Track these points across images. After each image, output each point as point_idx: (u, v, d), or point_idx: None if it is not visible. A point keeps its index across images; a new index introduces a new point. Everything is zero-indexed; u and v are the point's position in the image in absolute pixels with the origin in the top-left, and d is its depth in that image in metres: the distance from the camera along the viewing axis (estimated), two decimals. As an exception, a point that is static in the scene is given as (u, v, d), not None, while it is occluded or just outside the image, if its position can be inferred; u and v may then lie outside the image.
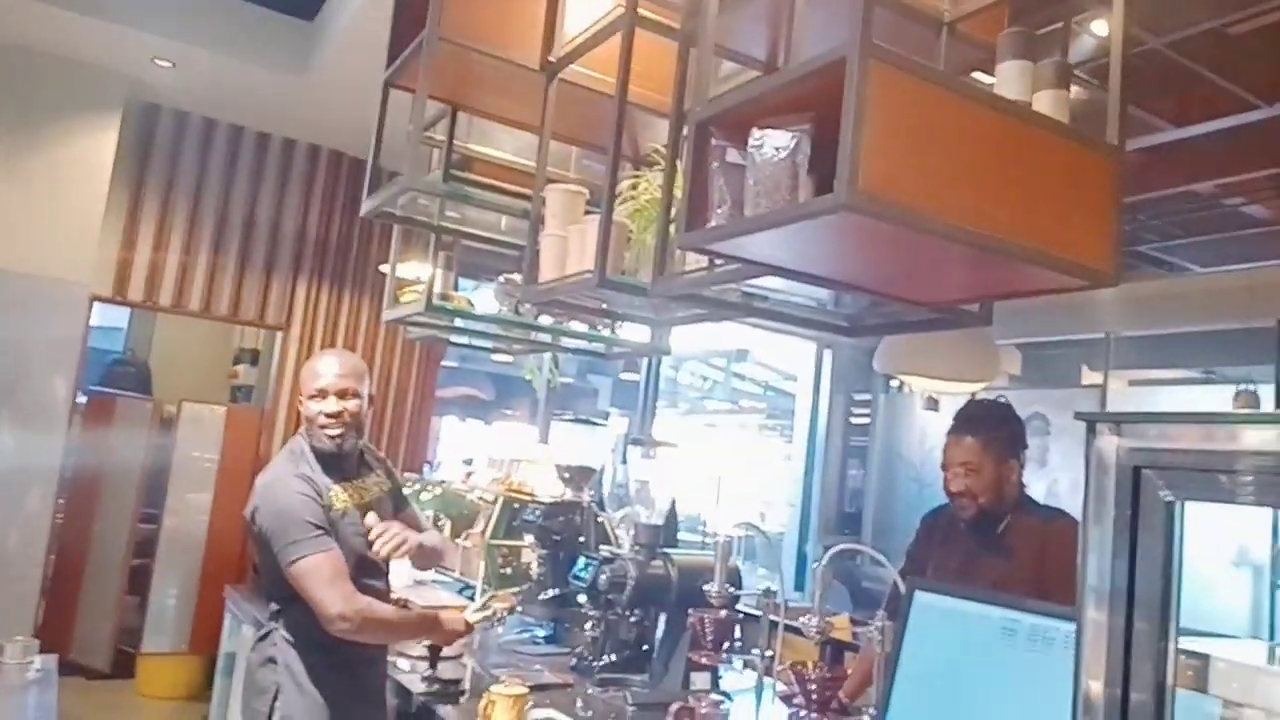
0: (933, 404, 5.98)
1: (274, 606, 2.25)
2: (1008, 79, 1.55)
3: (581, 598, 2.71)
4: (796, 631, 2.03)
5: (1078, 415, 0.96)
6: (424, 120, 2.61)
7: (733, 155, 1.64)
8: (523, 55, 2.47)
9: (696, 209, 1.67)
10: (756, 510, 8.12)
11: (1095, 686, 0.98)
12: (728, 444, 10.30)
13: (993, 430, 2.32)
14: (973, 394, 3.98)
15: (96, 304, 4.63)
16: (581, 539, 2.94)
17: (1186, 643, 0.91)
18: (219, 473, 5.29)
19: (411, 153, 2.45)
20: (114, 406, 5.62)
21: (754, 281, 2.07)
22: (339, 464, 2.34)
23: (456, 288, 3.60)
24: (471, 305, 3.11)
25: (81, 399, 5.13)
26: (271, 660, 2.20)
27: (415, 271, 3.40)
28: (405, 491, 2.88)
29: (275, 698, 2.16)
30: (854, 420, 7.69)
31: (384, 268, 3.57)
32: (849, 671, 2.07)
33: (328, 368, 2.36)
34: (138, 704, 5.05)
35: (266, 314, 5.04)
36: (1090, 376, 6.03)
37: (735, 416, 11.99)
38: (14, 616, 3.01)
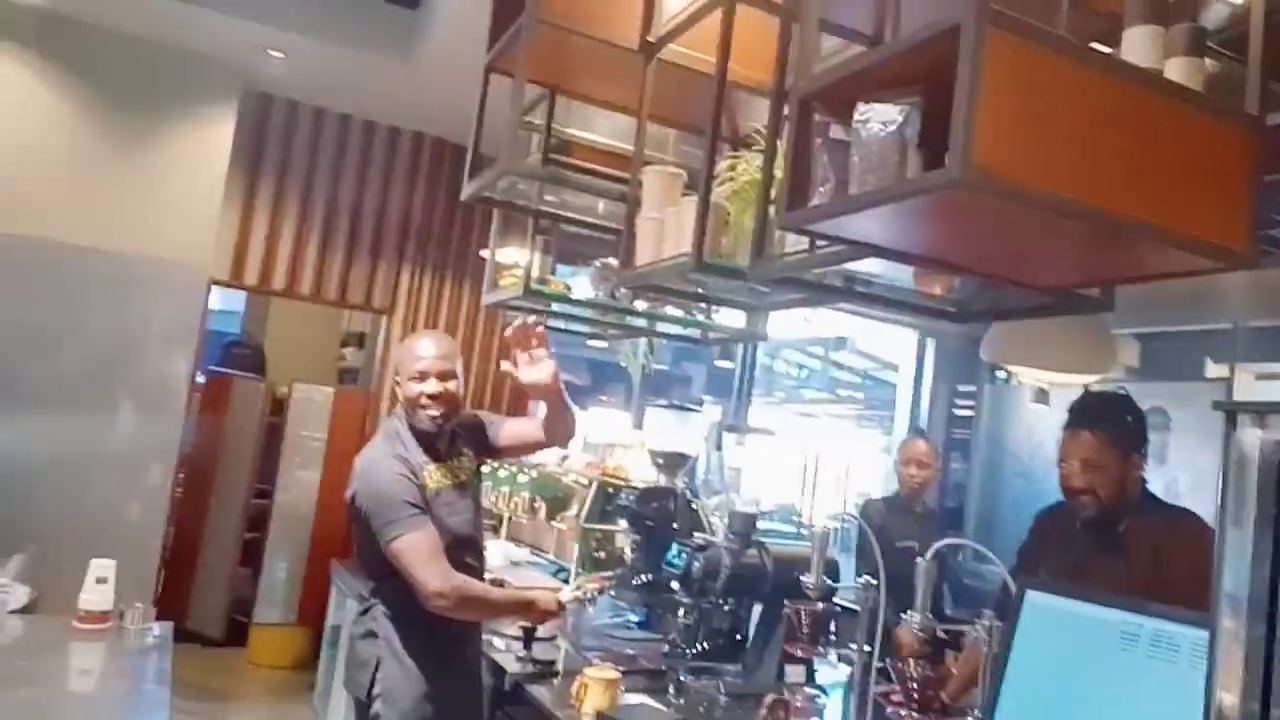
0: (1043, 397, 5.73)
1: (373, 583, 2.31)
2: (1136, 45, 1.44)
3: (674, 584, 2.69)
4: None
5: (1216, 405, 0.88)
6: (523, 105, 2.62)
7: (836, 132, 1.58)
8: (621, 36, 2.45)
9: (798, 188, 1.62)
10: (854, 503, 7.97)
11: (1229, 700, 0.90)
12: (825, 434, 10.12)
13: (1114, 424, 2.19)
14: (1086, 386, 3.80)
15: (215, 287, 4.85)
16: (675, 525, 2.92)
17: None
18: (327, 451, 5.49)
19: (510, 137, 2.46)
20: (230, 386, 5.88)
21: (856, 265, 2.00)
22: (434, 444, 2.38)
23: (555, 273, 3.62)
24: (569, 290, 3.12)
25: (200, 379, 5.37)
26: (372, 634, 2.26)
27: (514, 256, 3.42)
28: (503, 474, 2.90)
29: (376, 670, 2.22)
30: (957, 412, 7.43)
31: (484, 253, 3.61)
32: (952, 671, 1.99)
33: (427, 349, 2.39)
34: (249, 671, 5.29)
35: (373, 298, 5.18)
36: (1215, 369, 5.67)
37: (833, 406, 11.78)
38: (135, 585, 3.16)
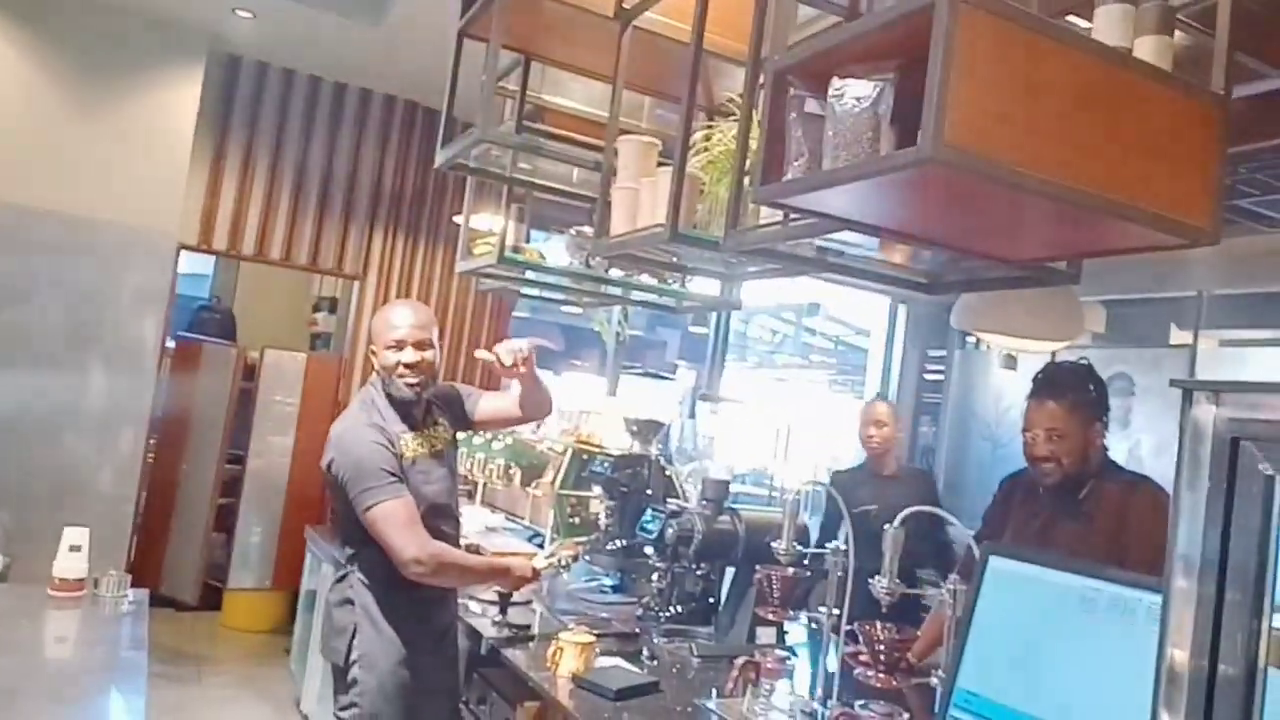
0: (1011, 363, 5.81)
1: (349, 550, 2.32)
2: (1107, 23, 1.46)
3: (648, 549, 2.74)
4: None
5: (1174, 383, 0.92)
6: (497, 70, 2.60)
7: (811, 106, 1.59)
8: (596, 3, 2.43)
9: (772, 161, 1.63)
10: (825, 466, 8.06)
11: (1180, 658, 0.94)
12: (798, 399, 10.21)
13: (1077, 394, 2.24)
14: (1053, 354, 3.86)
15: (184, 252, 4.78)
16: (649, 491, 2.96)
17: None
18: (299, 417, 5.46)
19: (484, 103, 2.45)
20: (200, 352, 5.82)
21: (830, 236, 2.02)
22: (410, 412, 2.39)
23: (529, 240, 3.60)
24: (543, 258, 3.12)
25: (170, 344, 5.32)
26: (349, 601, 2.28)
27: (488, 223, 3.41)
28: (478, 440, 2.90)
29: (353, 636, 2.24)
30: (927, 377, 7.52)
31: (458, 219, 3.59)
32: (918, 634, 2.05)
33: (404, 319, 2.39)
34: (224, 635, 5.30)
35: (344, 263, 5.14)
36: (1179, 335, 5.78)
37: (806, 371, 11.88)
38: (108, 551, 3.17)
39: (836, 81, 1.49)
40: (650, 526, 2.78)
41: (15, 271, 4.05)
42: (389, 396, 2.37)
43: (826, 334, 12.07)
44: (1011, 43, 1.30)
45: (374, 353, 2.41)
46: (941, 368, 7.26)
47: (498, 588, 2.52)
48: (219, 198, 4.79)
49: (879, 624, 1.74)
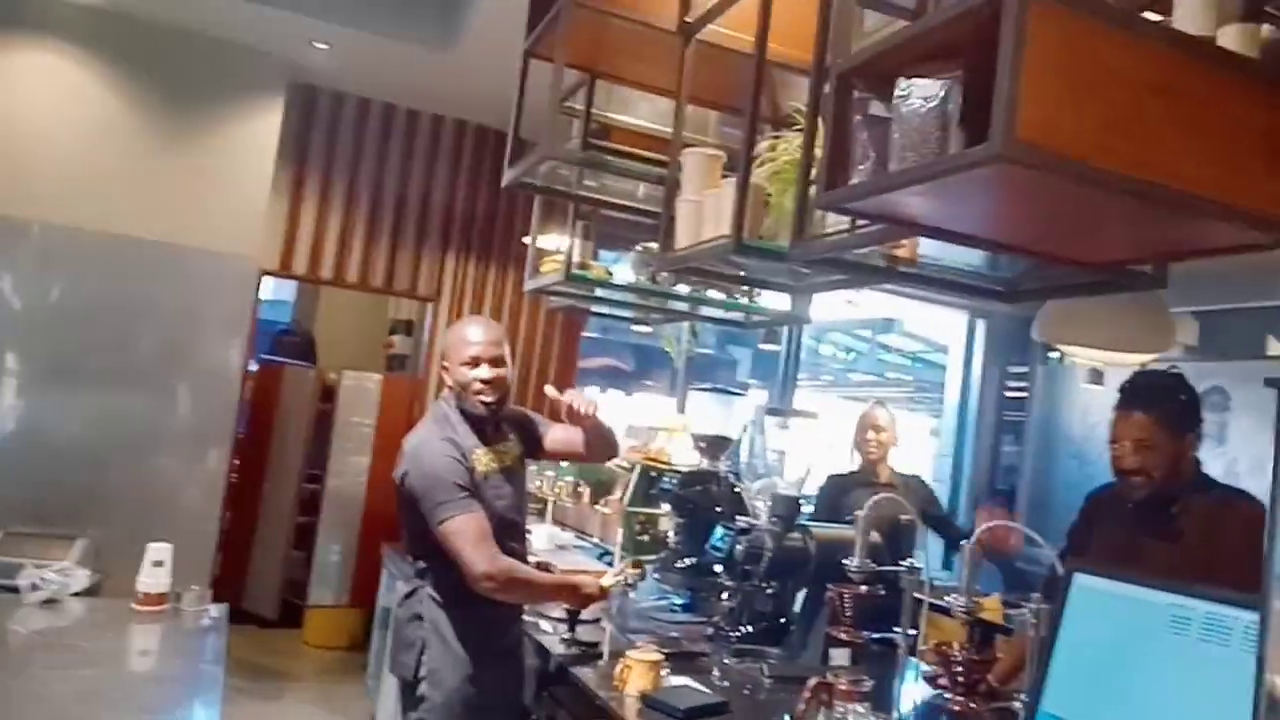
0: (1097, 377, 5.62)
1: (420, 565, 2.34)
2: (1188, 12, 1.40)
3: (718, 567, 2.70)
4: (944, 611, 1.94)
5: (1269, 381, 0.86)
6: (562, 89, 2.62)
7: (877, 108, 1.56)
8: (659, 17, 2.44)
9: (837, 167, 1.60)
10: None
11: (1283, 684, 0.87)
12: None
13: (1166, 403, 2.13)
14: (1142, 365, 3.70)
15: (267, 278, 4.93)
16: (718, 508, 2.91)
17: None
18: (375, 437, 5.58)
19: (549, 122, 2.47)
20: (281, 374, 6.00)
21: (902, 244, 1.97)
22: (483, 428, 2.40)
23: (598, 258, 3.62)
24: (610, 275, 3.12)
25: (253, 367, 5.49)
26: (418, 617, 2.29)
27: (556, 243, 3.44)
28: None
29: (422, 652, 2.25)
30: (1009, 394, 7.29)
31: (527, 239, 3.62)
32: (999, 655, 1.96)
33: (479, 335, 2.41)
34: (304, 651, 5.41)
35: (418, 286, 5.23)
36: (1277, 347, 5.50)
37: (881, 389, 11.65)
38: (194, 567, 3.25)
39: (902, 82, 1.45)
40: (720, 544, 2.74)
41: (108, 297, 4.22)
42: (462, 412, 2.39)
43: (903, 351, 11.84)
44: (1083, 34, 1.25)
45: (446, 369, 2.44)
46: (1024, 384, 7.04)
47: (566, 605, 2.51)
48: (299, 224, 4.94)
49: (956, 644, 1.67)
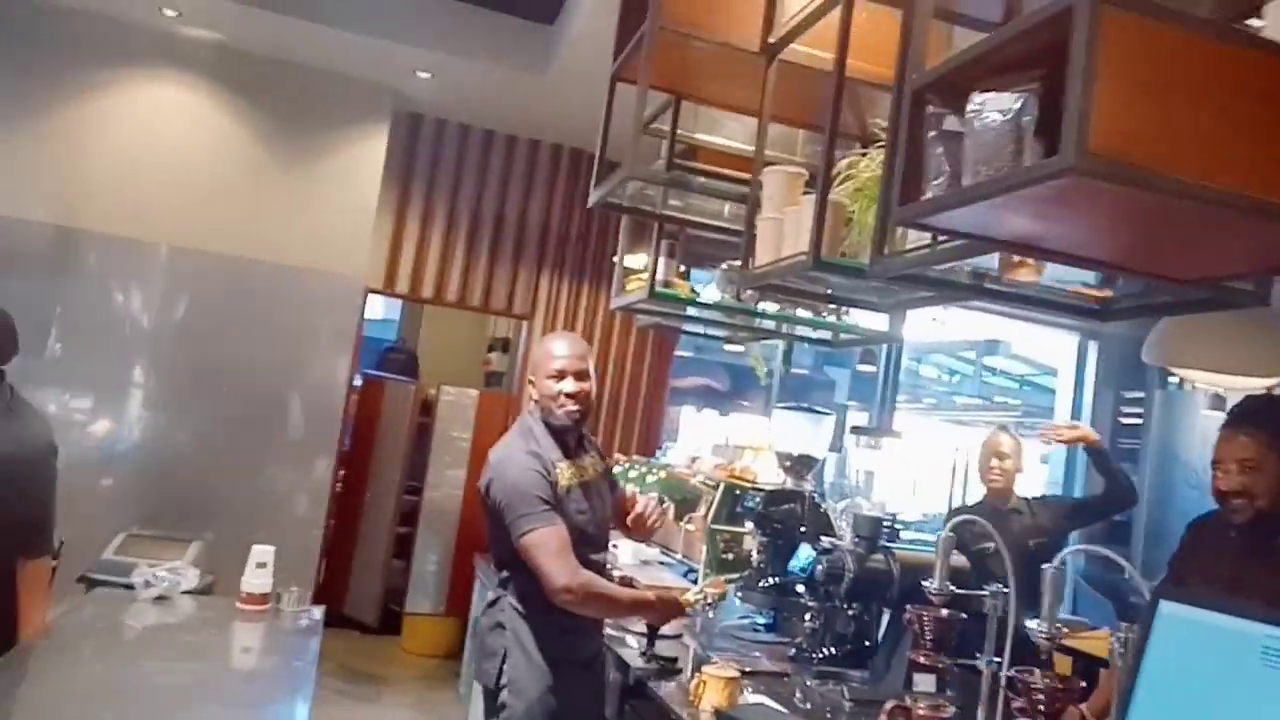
0: (1219, 403, 5.32)
1: (503, 574, 2.39)
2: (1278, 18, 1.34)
3: (800, 588, 2.67)
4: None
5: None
6: (646, 111, 2.67)
7: (951, 123, 1.55)
8: (742, 38, 2.46)
9: (911, 182, 1.59)
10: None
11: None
12: (976, 440, 9.70)
13: (1275, 425, 2.02)
14: (1267, 389, 3.50)
15: (374, 296, 5.14)
16: (802, 528, 2.89)
17: None
18: (472, 451, 5.72)
19: (632, 143, 2.51)
20: (384, 388, 6.22)
21: (983, 261, 1.93)
22: (566, 441, 2.45)
23: (688, 277, 3.65)
24: (695, 293, 3.14)
25: (358, 381, 5.72)
26: (500, 626, 2.34)
27: (643, 261, 3.48)
28: (632, 474, 2.94)
29: (503, 661, 2.30)
30: (1123, 420, 6.97)
31: (616, 258, 3.68)
32: (1082, 683, 1.88)
33: (565, 349, 2.47)
34: (401, 658, 5.58)
35: (514, 304, 5.37)
36: None
37: (987, 413, 11.28)
38: (299, 572, 3.40)
39: (976, 96, 1.44)
40: (805, 565, 2.71)
41: (226, 314, 4.49)
42: (546, 425, 2.44)
43: (1010, 373, 11.45)
44: (1159, 41, 1.22)
45: (533, 382, 2.50)
46: (1139, 410, 6.72)
47: (644, 620, 2.52)
48: (402, 244, 5.14)
49: (1037, 671, 1.62)
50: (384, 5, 4.23)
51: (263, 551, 2.74)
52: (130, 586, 2.71)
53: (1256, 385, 3.64)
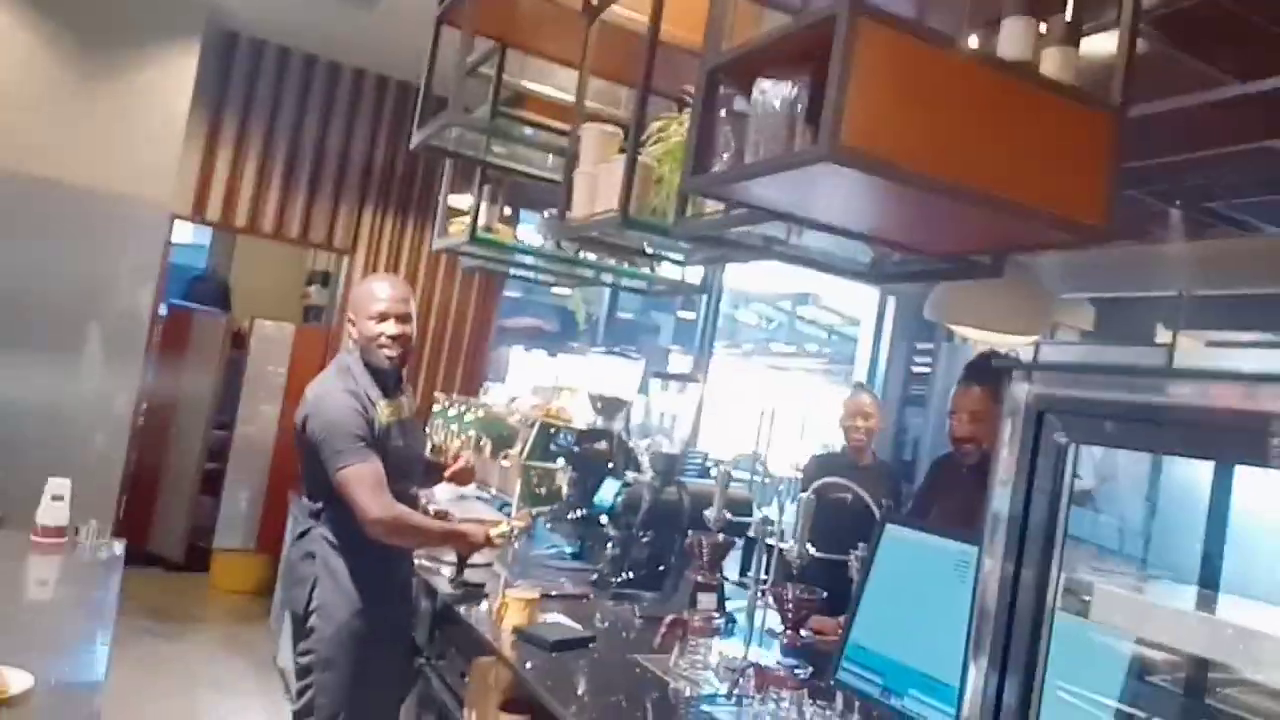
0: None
1: (316, 507, 2.46)
2: (1010, 36, 1.58)
3: (604, 519, 2.88)
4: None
5: (995, 361, 1.05)
6: (474, 55, 2.71)
7: (740, 104, 1.72)
8: (567, -4, 2.54)
9: (705, 154, 1.76)
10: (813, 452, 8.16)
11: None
12: (790, 386, 10.31)
13: (997, 380, 2.36)
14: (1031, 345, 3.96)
15: (183, 223, 4.89)
16: (610, 465, 3.09)
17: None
18: (287, 387, 5.61)
19: (455, 88, 2.56)
20: (191, 320, 5.96)
21: (769, 226, 2.14)
22: (385, 381, 2.52)
23: (517, 220, 3.72)
24: (516, 238, 3.24)
25: (163, 312, 5.45)
26: (310, 555, 2.42)
27: (469, 203, 3.53)
28: (450, 412, 3.04)
29: (313, 588, 2.38)
30: (915, 369, 7.62)
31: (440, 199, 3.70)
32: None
33: (388, 292, 2.52)
34: (210, 595, 5.47)
35: (334, 238, 5.26)
36: (1163, 335, 5.85)
37: (799, 359, 11.97)
38: (97, 508, 3.28)
39: (760, 82, 1.62)
40: (607, 498, 2.92)
41: (18, 238, 4.17)
42: (366, 364, 2.50)
43: (820, 323, 12.16)
44: (909, 55, 1.42)
45: (353, 321, 2.55)
46: (929, 360, 7.38)
47: (456, 551, 2.66)
48: (213, 170, 4.91)
49: (789, 586, 1.88)
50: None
51: (58, 484, 2.67)
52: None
53: (1016, 342, 4.13)
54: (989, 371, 2.41)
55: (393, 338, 2.48)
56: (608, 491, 2.96)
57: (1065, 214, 1.60)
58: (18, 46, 4.18)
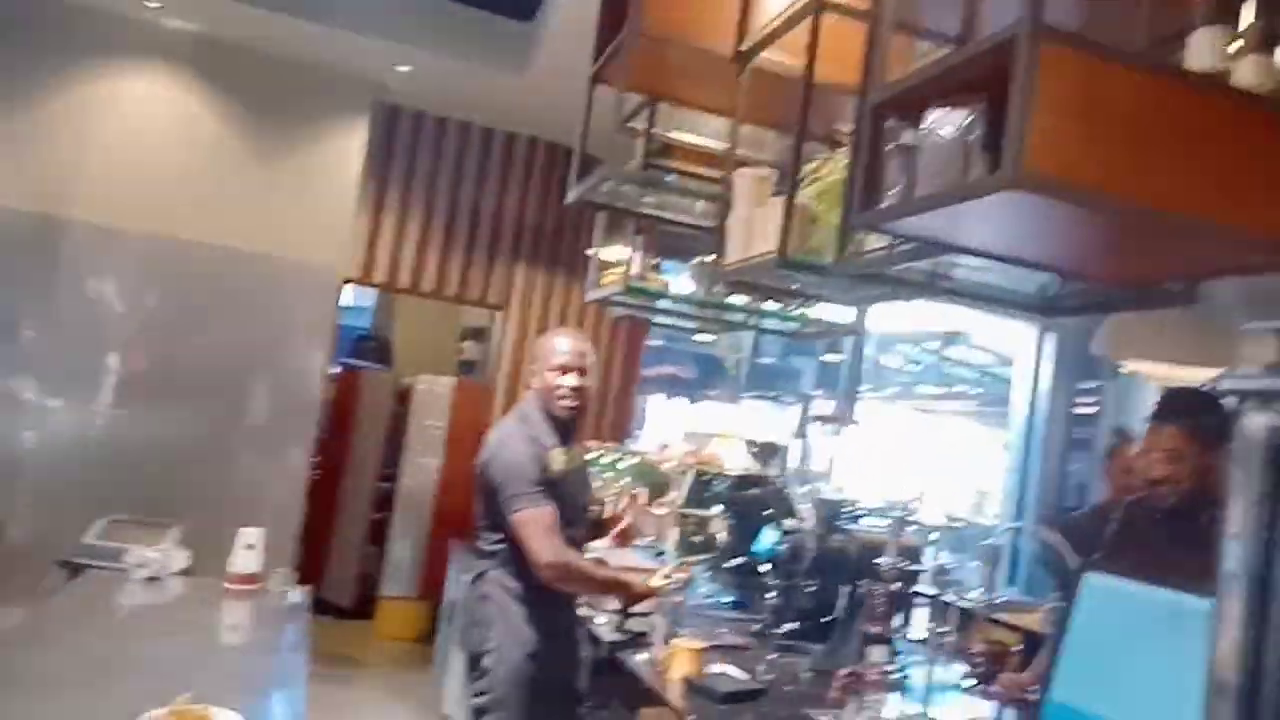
0: (1169, 394, 5.50)
1: (491, 549, 2.53)
2: (1198, 48, 1.49)
3: (764, 567, 2.82)
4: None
5: (1218, 388, 0.96)
6: (625, 112, 2.78)
7: (908, 137, 1.68)
8: (717, 44, 2.58)
9: (870, 190, 1.73)
10: (970, 500, 7.79)
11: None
12: (938, 430, 9.92)
13: (1195, 417, 2.18)
14: (1210, 381, 3.69)
15: (348, 286, 5.21)
16: (767, 511, 3.04)
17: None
18: (446, 439, 5.81)
19: (610, 143, 2.64)
20: (360, 378, 6.29)
21: (950, 259, 2.08)
22: (561, 430, 2.59)
23: (661, 269, 3.76)
24: (667, 287, 3.27)
25: (334, 370, 5.78)
26: (486, 597, 2.48)
27: (619, 255, 3.60)
28: (605, 460, 3.08)
29: (489, 629, 2.44)
30: (1078, 410, 7.18)
31: (591, 251, 3.80)
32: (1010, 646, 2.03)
33: (570, 346, 2.62)
34: (376, 642, 5.67)
35: (488, 295, 5.47)
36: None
37: (947, 402, 11.52)
38: (278, 556, 3.47)
39: (929, 113, 1.58)
40: (766, 545, 2.86)
41: (202, 303, 4.54)
42: (545, 413, 2.58)
43: (969, 363, 11.70)
44: (1093, 73, 1.36)
45: (534, 372, 2.64)
46: (1091, 399, 6.94)
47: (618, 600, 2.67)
48: (379, 236, 5.22)
49: (978, 640, 1.77)
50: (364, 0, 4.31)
51: (252, 534, 2.84)
52: (122, 569, 2.79)
53: (1196, 377, 3.83)
54: (1188, 408, 2.23)
55: (572, 389, 2.56)
56: (767, 539, 2.91)
57: (1268, 236, 1.48)
58: (205, 129, 4.59)
